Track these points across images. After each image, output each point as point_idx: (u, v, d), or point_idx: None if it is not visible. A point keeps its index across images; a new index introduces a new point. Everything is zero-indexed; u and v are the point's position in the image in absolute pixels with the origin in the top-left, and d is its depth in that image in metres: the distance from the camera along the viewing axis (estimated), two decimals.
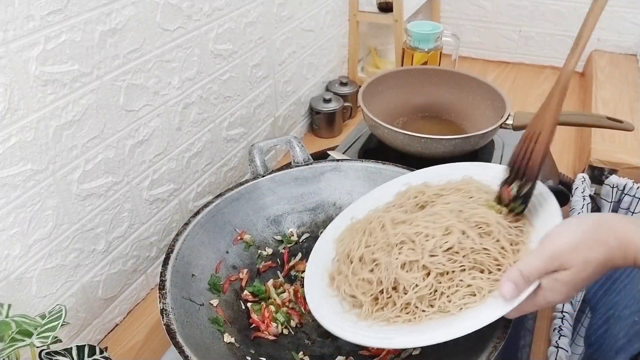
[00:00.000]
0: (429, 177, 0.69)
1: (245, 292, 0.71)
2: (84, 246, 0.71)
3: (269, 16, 0.99)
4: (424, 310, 0.54)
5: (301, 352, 0.65)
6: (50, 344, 0.49)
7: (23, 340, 0.48)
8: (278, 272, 0.76)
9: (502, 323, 0.55)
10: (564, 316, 0.74)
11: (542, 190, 0.59)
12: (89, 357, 0.54)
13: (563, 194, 0.88)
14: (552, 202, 0.57)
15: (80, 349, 0.54)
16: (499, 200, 0.60)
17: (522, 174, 0.58)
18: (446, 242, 0.54)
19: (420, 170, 0.72)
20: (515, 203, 0.58)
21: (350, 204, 0.75)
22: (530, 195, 0.58)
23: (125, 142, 0.73)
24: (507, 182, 0.59)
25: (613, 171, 1.03)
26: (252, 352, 0.64)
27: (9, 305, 0.51)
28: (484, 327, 0.57)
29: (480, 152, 0.92)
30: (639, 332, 0.61)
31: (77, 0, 0.60)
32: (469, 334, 0.60)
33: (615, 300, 0.72)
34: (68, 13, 0.60)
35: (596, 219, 0.48)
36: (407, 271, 0.55)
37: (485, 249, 0.53)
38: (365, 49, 1.49)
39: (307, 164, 0.81)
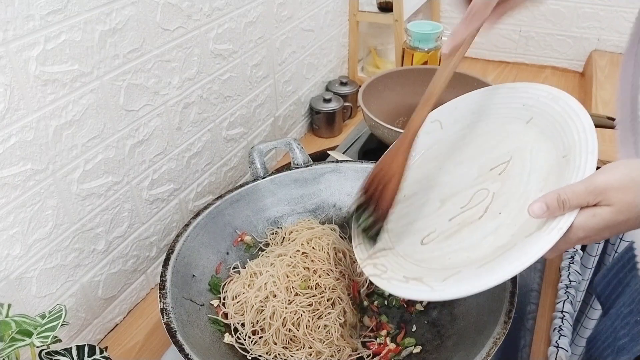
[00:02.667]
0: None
1: None
2: (84, 246, 0.71)
3: (269, 16, 0.99)
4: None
5: None
6: (50, 343, 0.49)
7: (23, 340, 0.48)
8: None
9: (503, 319, 0.55)
10: (564, 316, 0.75)
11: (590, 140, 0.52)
12: (89, 357, 0.54)
13: None
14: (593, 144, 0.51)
15: (80, 348, 0.54)
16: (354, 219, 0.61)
17: (373, 207, 0.59)
18: None
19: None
20: (365, 235, 0.60)
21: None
22: (379, 234, 0.59)
23: (125, 142, 0.73)
24: (361, 206, 0.60)
25: None
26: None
27: (9, 305, 0.51)
28: (484, 322, 0.57)
29: None
30: None
31: (77, 0, 0.60)
32: (470, 328, 0.60)
33: (615, 297, 0.72)
34: (68, 13, 0.60)
35: None
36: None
37: None
38: (365, 49, 1.49)
39: (307, 166, 0.81)
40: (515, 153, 0.57)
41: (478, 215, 0.54)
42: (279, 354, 0.63)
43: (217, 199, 0.75)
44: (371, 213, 0.60)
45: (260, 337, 0.64)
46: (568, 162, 0.49)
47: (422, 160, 0.67)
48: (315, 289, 0.67)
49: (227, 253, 0.74)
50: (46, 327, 0.50)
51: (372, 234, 0.60)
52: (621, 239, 0.85)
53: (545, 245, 0.44)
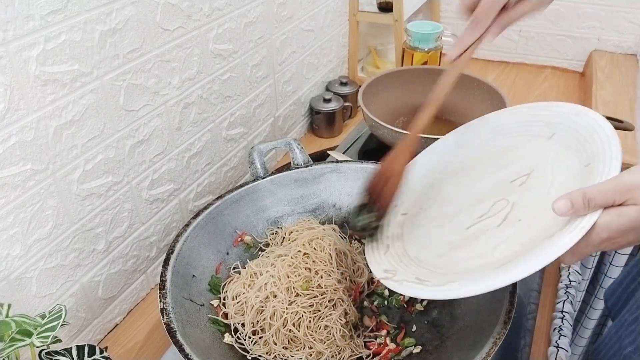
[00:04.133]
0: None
1: None
2: (84, 246, 0.71)
3: (269, 16, 0.99)
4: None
5: None
6: (50, 343, 0.49)
7: (23, 340, 0.48)
8: None
9: (502, 319, 0.55)
10: (564, 316, 0.75)
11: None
12: (89, 357, 0.54)
13: None
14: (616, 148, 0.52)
15: (80, 348, 0.54)
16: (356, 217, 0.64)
17: (376, 207, 0.62)
18: None
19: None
20: (363, 233, 0.64)
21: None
22: (377, 231, 0.63)
23: (125, 142, 0.73)
24: (363, 206, 0.63)
25: None
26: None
27: (9, 305, 0.51)
28: (484, 322, 0.57)
29: None
30: None
31: (77, 0, 0.60)
32: (470, 328, 0.60)
33: (621, 306, 0.71)
34: (68, 13, 0.60)
35: None
36: None
37: None
38: (365, 49, 1.49)
39: (307, 166, 0.81)
40: (536, 167, 0.56)
41: (496, 224, 0.54)
42: (279, 354, 0.63)
43: (217, 199, 0.75)
44: (371, 212, 0.62)
45: (260, 337, 0.64)
46: (591, 170, 0.49)
47: (439, 177, 0.67)
48: (317, 289, 0.67)
49: (227, 253, 0.74)
50: (46, 327, 0.50)
51: (370, 232, 0.63)
52: None
53: (566, 244, 0.42)
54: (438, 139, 0.82)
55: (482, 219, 0.56)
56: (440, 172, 0.68)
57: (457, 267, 0.53)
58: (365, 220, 0.62)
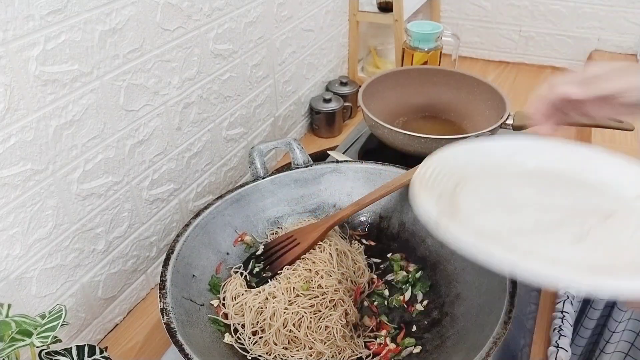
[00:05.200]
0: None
1: None
2: (84, 246, 0.71)
3: (269, 16, 0.99)
4: None
5: None
6: (50, 343, 0.49)
7: (23, 340, 0.48)
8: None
9: (502, 319, 0.55)
10: (564, 316, 0.75)
11: None
12: (89, 357, 0.54)
13: None
14: None
15: (80, 348, 0.54)
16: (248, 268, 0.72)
17: (268, 262, 0.71)
18: None
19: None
20: (252, 277, 0.70)
21: None
22: (264, 282, 0.69)
23: (125, 142, 0.73)
24: (256, 257, 0.72)
25: None
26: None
27: (9, 305, 0.51)
28: (484, 322, 0.56)
29: None
30: None
31: (77, 0, 0.60)
32: (470, 328, 0.60)
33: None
34: (68, 13, 0.60)
35: None
36: None
37: None
38: (365, 49, 1.49)
39: (307, 166, 0.81)
40: (617, 212, 0.56)
41: (570, 237, 0.52)
42: (279, 355, 0.63)
43: (217, 199, 0.75)
44: (268, 265, 0.71)
45: (260, 338, 0.64)
46: None
47: (497, 168, 0.63)
48: (317, 290, 0.67)
49: (227, 253, 0.74)
50: (46, 327, 0.50)
51: (258, 280, 0.70)
52: None
53: None
54: (436, 139, 0.82)
55: (554, 224, 0.54)
56: (501, 164, 0.63)
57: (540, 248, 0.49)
58: (258, 269, 0.71)
